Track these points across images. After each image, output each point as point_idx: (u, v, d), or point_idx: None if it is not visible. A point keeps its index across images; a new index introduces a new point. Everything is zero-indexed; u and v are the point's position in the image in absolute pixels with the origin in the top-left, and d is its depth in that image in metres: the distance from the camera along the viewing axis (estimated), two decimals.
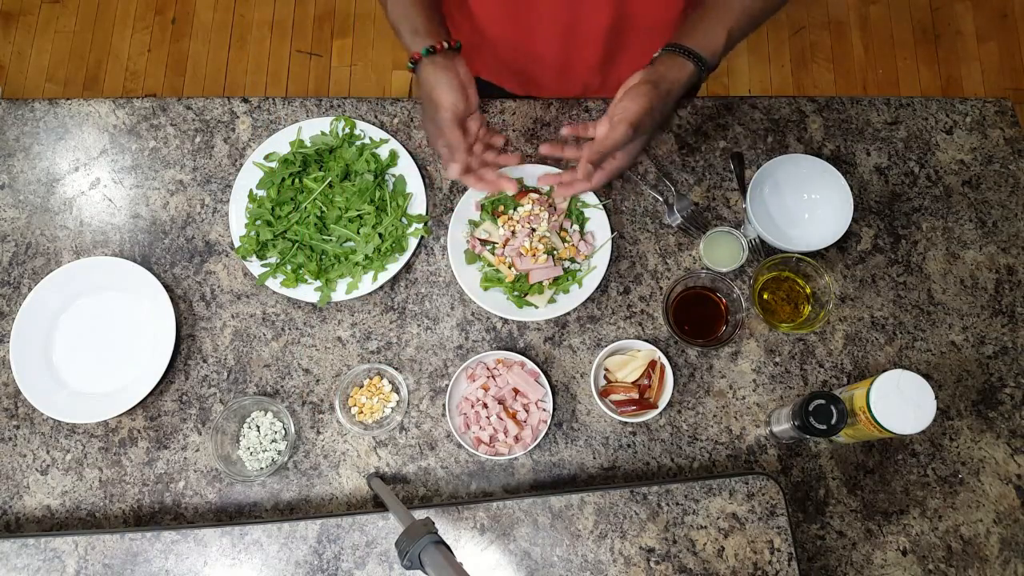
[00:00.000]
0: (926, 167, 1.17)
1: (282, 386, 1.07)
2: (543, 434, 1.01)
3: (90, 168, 1.17)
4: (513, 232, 1.08)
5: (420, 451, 1.04)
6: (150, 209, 1.15)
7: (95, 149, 1.18)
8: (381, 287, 1.10)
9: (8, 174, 1.17)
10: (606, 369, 1.05)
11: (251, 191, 1.12)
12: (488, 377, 1.04)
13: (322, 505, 1.02)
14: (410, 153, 1.15)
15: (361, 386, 1.06)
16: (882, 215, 1.14)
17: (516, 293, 1.07)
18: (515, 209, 1.09)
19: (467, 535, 0.93)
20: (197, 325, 1.09)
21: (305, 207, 1.09)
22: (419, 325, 1.09)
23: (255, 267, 1.09)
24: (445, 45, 0.94)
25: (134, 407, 1.04)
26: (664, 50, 0.94)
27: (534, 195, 1.10)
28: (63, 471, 1.04)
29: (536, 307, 1.07)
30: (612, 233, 1.09)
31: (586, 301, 1.08)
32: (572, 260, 1.08)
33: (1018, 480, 1.02)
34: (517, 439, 1.02)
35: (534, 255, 1.06)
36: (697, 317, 1.06)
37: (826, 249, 1.09)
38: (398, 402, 1.05)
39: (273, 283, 1.08)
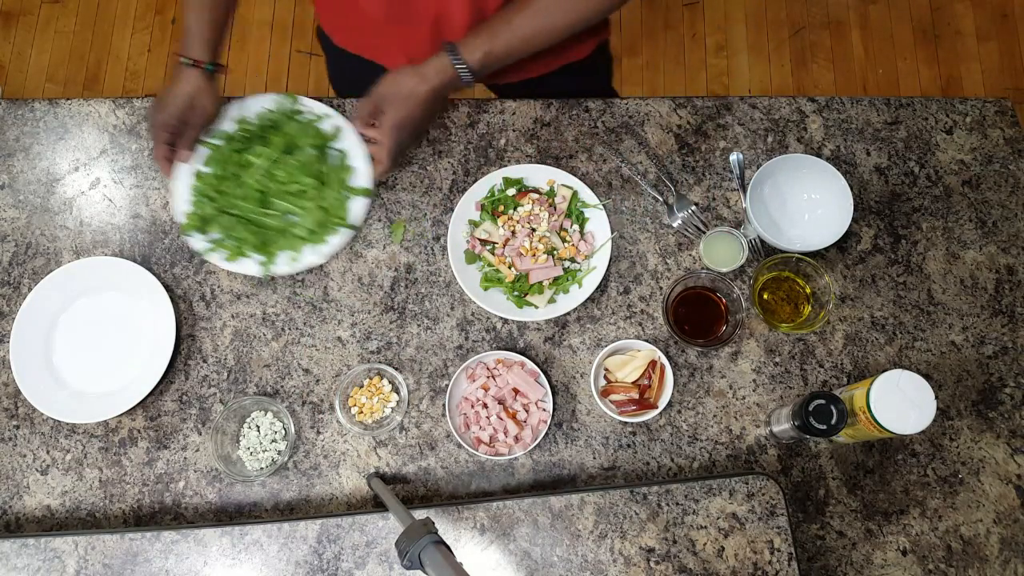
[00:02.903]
0: (926, 167, 1.17)
1: (282, 386, 1.07)
2: (543, 434, 1.01)
3: (90, 168, 1.17)
4: (513, 232, 1.09)
5: (420, 451, 1.04)
6: (150, 209, 1.15)
7: (95, 149, 1.18)
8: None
9: (8, 174, 1.17)
10: (606, 369, 1.05)
11: (197, 169, 1.13)
12: (488, 377, 1.04)
13: (322, 505, 1.02)
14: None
15: (361, 386, 1.06)
16: (882, 215, 1.14)
17: (516, 293, 1.07)
18: (515, 209, 1.10)
19: (467, 535, 0.93)
20: (197, 325, 1.09)
21: (248, 182, 1.10)
22: (419, 325, 1.09)
23: (200, 243, 1.10)
24: (208, 66, 1.07)
25: (134, 407, 1.04)
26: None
27: (534, 195, 1.10)
28: (63, 471, 1.04)
29: (536, 307, 1.07)
30: (612, 233, 1.09)
31: (586, 301, 1.08)
32: (572, 260, 1.09)
33: (1018, 480, 1.02)
34: (517, 439, 1.02)
35: (534, 255, 1.06)
36: (697, 317, 1.06)
37: (826, 249, 1.09)
38: (398, 402, 1.05)
39: (217, 258, 1.09)
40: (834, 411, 0.91)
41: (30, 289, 1.09)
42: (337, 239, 1.09)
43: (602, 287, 1.10)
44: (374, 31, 1.17)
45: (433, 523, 0.79)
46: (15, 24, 2.47)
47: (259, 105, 1.16)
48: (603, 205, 1.11)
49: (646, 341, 1.05)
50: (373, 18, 1.12)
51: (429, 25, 1.09)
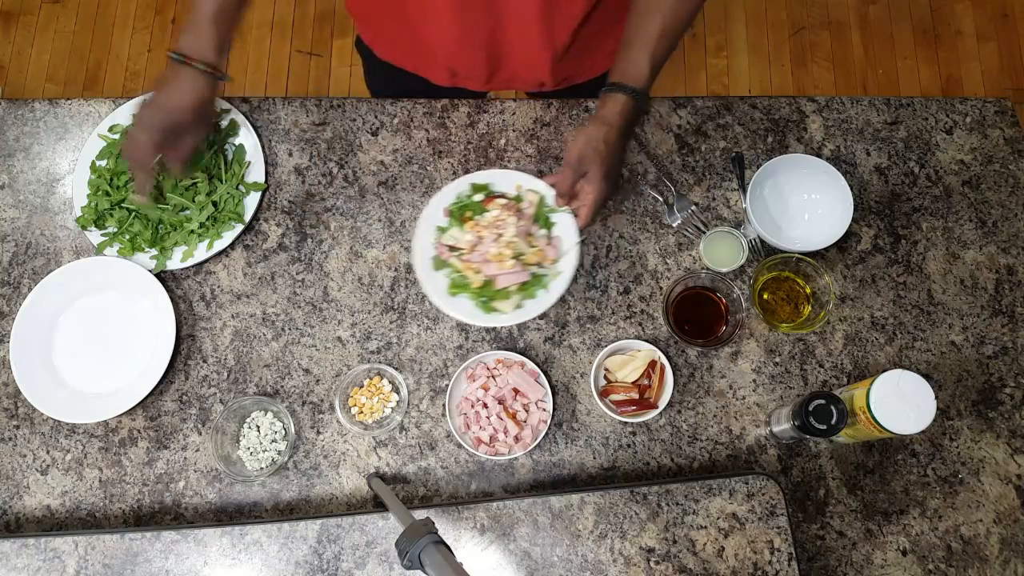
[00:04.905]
0: (926, 167, 1.17)
1: (282, 386, 1.07)
2: (543, 434, 1.01)
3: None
4: (480, 238, 1.07)
5: (420, 451, 1.04)
6: None
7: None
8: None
9: (8, 174, 1.17)
10: (606, 369, 1.05)
11: (93, 162, 1.14)
12: (488, 377, 1.04)
13: (322, 505, 1.02)
14: (251, 123, 1.16)
15: (361, 386, 1.06)
16: (882, 215, 1.14)
17: (483, 299, 1.05)
18: (482, 215, 1.08)
19: (467, 535, 0.94)
20: (197, 325, 1.09)
21: None
22: (419, 325, 1.09)
23: (95, 237, 1.11)
24: (224, 75, 0.99)
25: (134, 407, 1.04)
26: (601, 92, 1.02)
27: (501, 200, 1.08)
28: (63, 471, 1.04)
29: (503, 313, 1.05)
30: (580, 237, 1.06)
31: (586, 301, 1.08)
32: (539, 265, 1.06)
33: (1018, 480, 1.02)
34: (517, 439, 1.02)
35: (501, 260, 1.05)
36: (697, 317, 1.06)
37: (826, 249, 1.09)
38: (398, 402, 1.05)
39: (111, 252, 1.10)
40: (834, 411, 0.91)
41: (30, 289, 1.09)
42: (230, 234, 1.11)
43: (602, 287, 1.10)
44: (426, 52, 1.16)
45: (433, 523, 0.79)
46: (15, 24, 2.47)
47: None
48: (571, 210, 1.07)
49: (646, 341, 1.05)
50: (426, 34, 1.11)
51: (485, 40, 1.09)
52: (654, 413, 1.02)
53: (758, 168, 1.09)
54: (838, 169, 1.07)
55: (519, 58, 1.13)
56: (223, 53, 0.99)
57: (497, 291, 1.05)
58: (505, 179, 1.11)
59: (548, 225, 1.09)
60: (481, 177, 1.10)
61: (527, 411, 1.03)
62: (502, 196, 1.10)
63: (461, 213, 1.09)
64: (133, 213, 1.10)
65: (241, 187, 1.13)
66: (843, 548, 0.99)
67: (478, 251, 1.06)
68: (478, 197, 1.10)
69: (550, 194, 1.09)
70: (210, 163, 1.12)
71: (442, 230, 1.09)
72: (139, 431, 1.05)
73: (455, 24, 1.05)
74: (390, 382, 1.06)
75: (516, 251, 1.05)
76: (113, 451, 1.04)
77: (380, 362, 1.07)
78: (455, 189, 1.10)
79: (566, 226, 1.08)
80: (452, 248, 1.08)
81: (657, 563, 0.93)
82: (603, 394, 1.03)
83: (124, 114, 1.16)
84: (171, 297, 1.08)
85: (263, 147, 1.16)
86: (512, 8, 1.02)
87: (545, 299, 1.05)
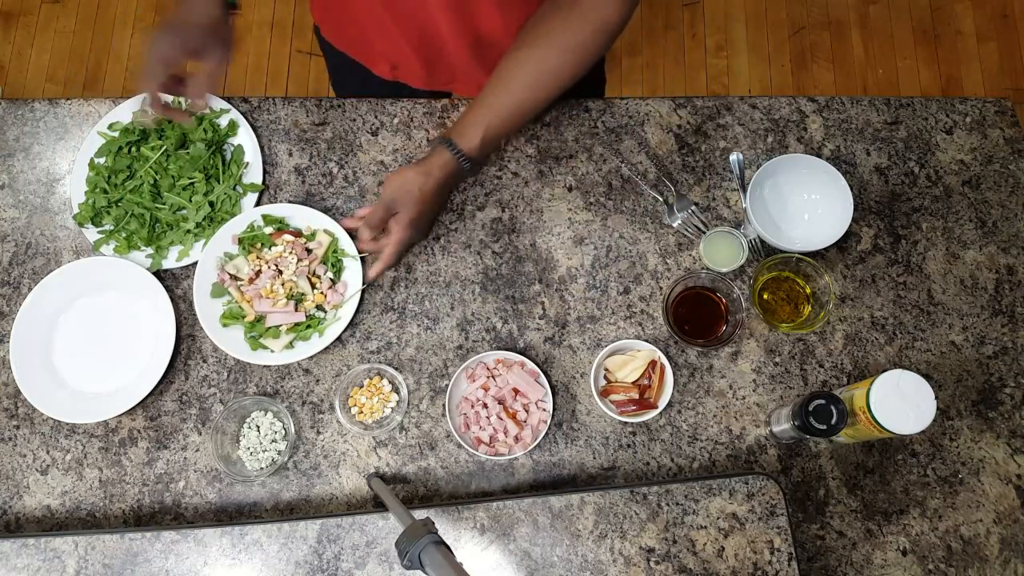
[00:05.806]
0: (926, 167, 1.17)
1: (282, 386, 1.07)
2: (543, 434, 1.01)
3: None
4: (259, 272, 1.06)
5: (420, 451, 1.04)
6: None
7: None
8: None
9: (8, 174, 1.17)
10: (606, 369, 1.05)
11: (91, 159, 1.14)
12: (488, 377, 1.04)
13: (322, 505, 1.02)
14: (251, 123, 1.16)
15: (361, 386, 1.06)
16: (882, 215, 1.14)
17: (253, 334, 1.05)
18: (268, 248, 1.08)
19: (467, 535, 0.94)
20: (197, 325, 1.09)
21: (140, 175, 1.11)
22: (419, 325, 1.09)
23: (92, 234, 1.11)
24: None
25: (134, 407, 1.04)
26: (435, 138, 1.03)
27: (289, 237, 1.07)
28: (63, 471, 1.04)
29: (271, 351, 1.04)
30: (363, 285, 1.06)
31: (586, 301, 1.08)
32: (319, 308, 1.06)
33: (1018, 480, 1.02)
34: (517, 439, 1.02)
35: (274, 298, 1.04)
36: (697, 317, 1.06)
37: (826, 249, 1.09)
38: (398, 402, 1.05)
39: (107, 250, 1.11)
40: (834, 411, 0.91)
41: (30, 289, 1.09)
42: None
43: (602, 287, 1.10)
44: (366, 39, 1.15)
45: (433, 523, 0.79)
46: (15, 24, 2.47)
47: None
48: (361, 258, 1.07)
49: (646, 341, 1.05)
50: (364, 20, 1.11)
51: (417, 34, 1.08)
52: (654, 413, 1.02)
53: (758, 168, 1.09)
54: (838, 169, 1.07)
55: (452, 56, 1.11)
56: None
57: (267, 328, 1.05)
58: (302, 216, 1.10)
59: (337, 269, 1.08)
60: (277, 210, 1.10)
61: (527, 411, 1.03)
62: (295, 232, 1.09)
63: (251, 243, 1.08)
64: (130, 212, 1.10)
65: (238, 188, 1.13)
66: (843, 548, 0.99)
67: (255, 284, 1.06)
68: (269, 229, 1.09)
69: (344, 238, 1.08)
70: (208, 163, 1.12)
71: (229, 257, 1.09)
72: (139, 431, 1.05)
73: (385, 11, 1.04)
74: (390, 382, 1.06)
75: (293, 290, 1.05)
76: (113, 451, 1.04)
77: (380, 362, 1.07)
78: (248, 218, 1.09)
79: (354, 273, 1.07)
80: (233, 277, 1.07)
81: (657, 563, 0.93)
82: (603, 394, 1.03)
83: (124, 112, 1.16)
84: (171, 297, 1.08)
85: (262, 148, 1.16)
86: (430, 3, 1.01)
87: (318, 343, 1.05)
